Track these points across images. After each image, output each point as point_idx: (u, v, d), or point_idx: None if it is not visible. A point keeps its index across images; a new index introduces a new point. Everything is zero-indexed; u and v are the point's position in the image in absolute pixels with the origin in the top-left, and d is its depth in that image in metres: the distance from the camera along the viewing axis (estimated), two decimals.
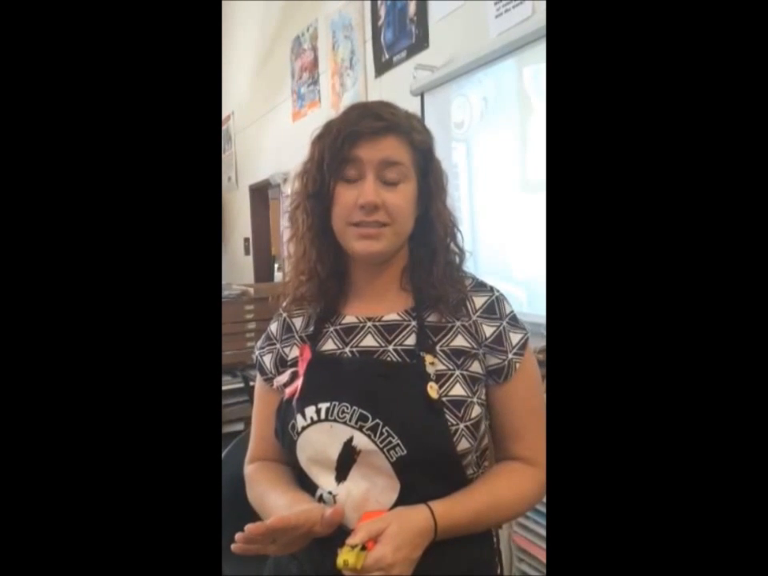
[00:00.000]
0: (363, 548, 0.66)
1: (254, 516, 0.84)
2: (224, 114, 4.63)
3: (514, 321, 0.81)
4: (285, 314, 0.88)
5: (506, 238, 1.83)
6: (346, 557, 0.65)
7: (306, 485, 0.79)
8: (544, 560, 1.44)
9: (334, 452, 0.74)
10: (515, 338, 0.79)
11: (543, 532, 1.45)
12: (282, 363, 0.85)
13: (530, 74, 1.69)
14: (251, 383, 2.80)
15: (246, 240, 4.35)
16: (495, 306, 0.80)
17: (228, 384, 2.95)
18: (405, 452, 0.72)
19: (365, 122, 0.75)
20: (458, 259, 0.83)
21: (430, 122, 2.11)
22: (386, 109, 0.78)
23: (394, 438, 0.72)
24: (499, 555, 0.90)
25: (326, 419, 0.75)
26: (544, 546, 1.43)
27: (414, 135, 0.78)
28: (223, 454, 1.12)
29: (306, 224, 0.80)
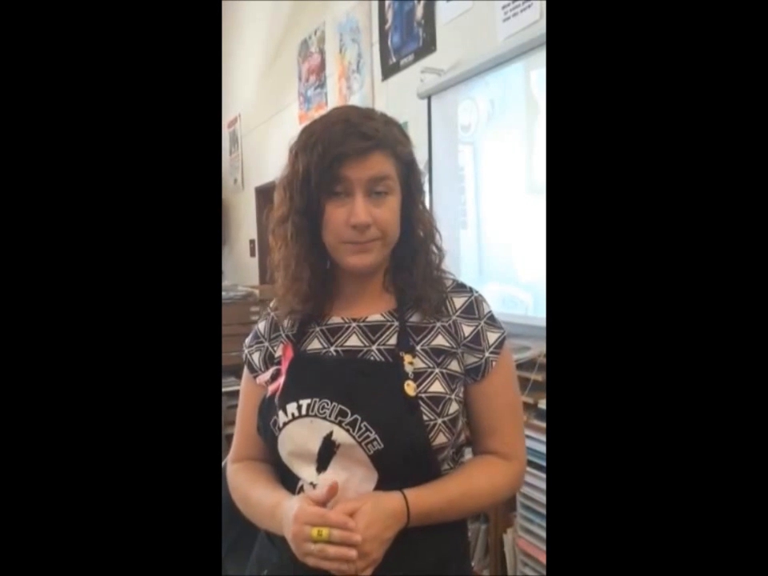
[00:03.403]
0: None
1: None
2: (231, 117, 4.65)
3: (492, 320, 0.84)
4: (273, 314, 0.90)
5: (512, 241, 1.83)
6: (320, 528, 0.69)
7: (288, 478, 0.82)
8: None
9: (315, 446, 0.77)
10: (492, 337, 0.82)
11: None
12: (270, 361, 0.87)
13: (537, 78, 1.69)
14: None
15: (252, 242, 4.36)
16: (474, 307, 0.83)
17: (232, 385, 2.96)
18: (382, 446, 0.75)
19: (350, 143, 0.75)
20: (437, 259, 0.85)
21: (437, 125, 2.12)
22: (369, 124, 0.77)
23: (371, 432, 0.75)
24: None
25: (307, 415, 0.78)
26: None
27: (399, 148, 0.80)
28: (226, 458, 1.11)
29: (294, 238, 0.81)
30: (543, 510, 1.47)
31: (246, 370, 0.91)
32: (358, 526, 0.70)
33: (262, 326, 0.91)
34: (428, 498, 0.76)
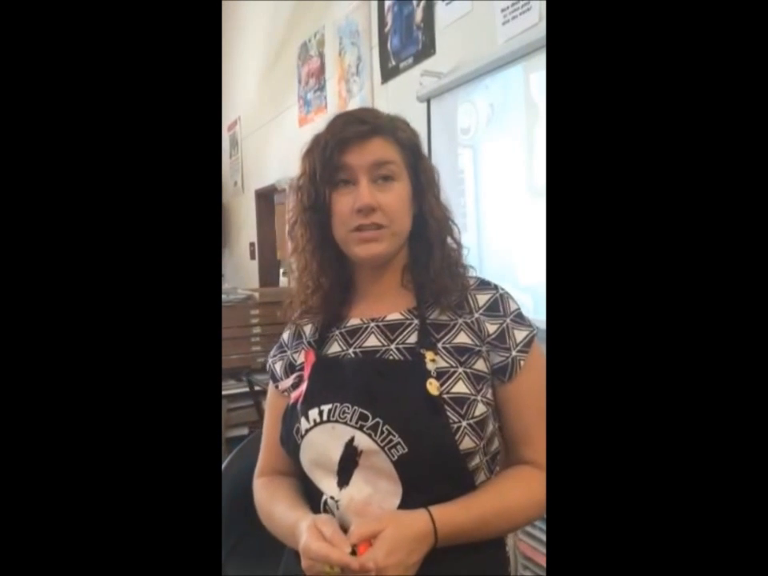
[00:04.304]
0: (353, 552, 0.66)
1: (257, 519, 0.84)
2: (231, 120, 4.65)
3: (520, 318, 0.79)
4: (296, 322, 0.89)
5: (512, 244, 1.83)
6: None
7: (312, 492, 0.79)
8: None
9: (336, 453, 0.74)
10: (520, 335, 0.78)
11: None
12: (290, 369, 0.86)
13: (536, 81, 1.69)
14: (256, 387, 2.80)
15: (252, 245, 4.35)
16: (499, 304, 0.80)
17: (233, 388, 2.95)
18: (406, 450, 0.71)
19: (350, 128, 0.76)
20: (456, 254, 0.83)
21: (437, 128, 2.11)
22: (368, 113, 0.80)
23: (394, 436, 0.71)
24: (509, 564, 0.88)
25: (328, 420, 0.75)
26: None
27: (399, 133, 0.80)
28: (227, 460, 1.11)
29: (305, 237, 0.81)
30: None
31: (270, 381, 0.90)
32: (378, 554, 0.65)
33: (286, 335, 0.90)
34: (457, 517, 0.71)
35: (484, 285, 0.82)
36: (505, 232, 1.87)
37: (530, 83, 1.72)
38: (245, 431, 2.85)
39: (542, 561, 1.49)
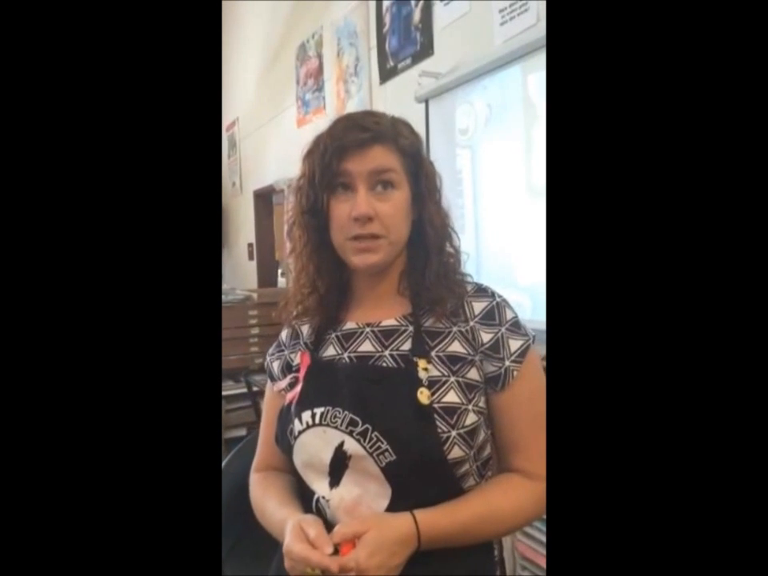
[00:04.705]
0: (336, 551, 0.68)
1: (256, 519, 0.84)
2: (229, 120, 4.65)
3: (515, 327, 0.79)
4: (294, 322, 0.89)
5: (510, 245, 1.83)
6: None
7: (304, 490, 0.80)
8: None
9: (327, 456, 0.75)
10: (514, 344, 0.77)
11: None
12: (287, 369, 0.87)
13: (534, 81, 1.70)
14: (254, 388, 2.80)
15: (250, 245, 4.35)
16: (495, 312, 0.79)
17: (231, 389, 2.95)
18: (394, 457, 0.72)
19: (350, 135, 0.75)
20: (453, 260, 0.83)
21: (435, 129, 2.12)
22: (370, 118, 0.78)
23: (383, 443, 0.72)
24: (502, 566, 0.89)
25: (320, 424, 0.76)
26: None
27: (401, 140, 0.78)
28: (225, 461, 1.11)
29: (302, 240, 0.81)
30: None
31: (268, 380, 0.91)
32: (360, 554, 0.66)
33: (284, 334, 0.91)
34: (441, 521, 0.72)
35: (481, 292, 0.82)
36: (503, 232, 1.87)
37: (528, 84, 1.73)
38: (243, 432, 2.85)
39: (541, 561, 1.49)
